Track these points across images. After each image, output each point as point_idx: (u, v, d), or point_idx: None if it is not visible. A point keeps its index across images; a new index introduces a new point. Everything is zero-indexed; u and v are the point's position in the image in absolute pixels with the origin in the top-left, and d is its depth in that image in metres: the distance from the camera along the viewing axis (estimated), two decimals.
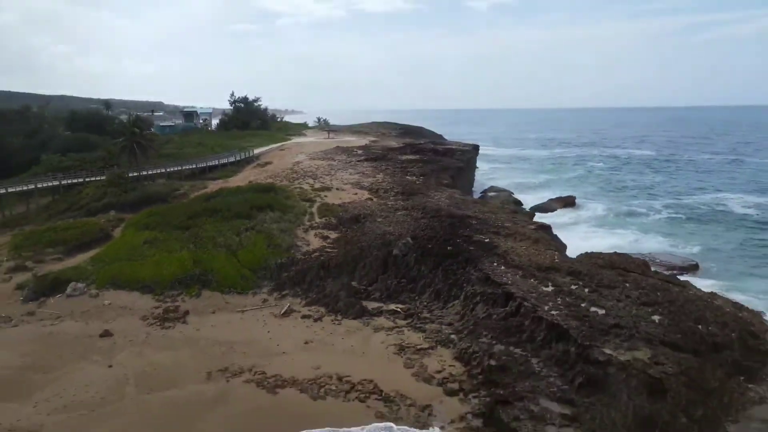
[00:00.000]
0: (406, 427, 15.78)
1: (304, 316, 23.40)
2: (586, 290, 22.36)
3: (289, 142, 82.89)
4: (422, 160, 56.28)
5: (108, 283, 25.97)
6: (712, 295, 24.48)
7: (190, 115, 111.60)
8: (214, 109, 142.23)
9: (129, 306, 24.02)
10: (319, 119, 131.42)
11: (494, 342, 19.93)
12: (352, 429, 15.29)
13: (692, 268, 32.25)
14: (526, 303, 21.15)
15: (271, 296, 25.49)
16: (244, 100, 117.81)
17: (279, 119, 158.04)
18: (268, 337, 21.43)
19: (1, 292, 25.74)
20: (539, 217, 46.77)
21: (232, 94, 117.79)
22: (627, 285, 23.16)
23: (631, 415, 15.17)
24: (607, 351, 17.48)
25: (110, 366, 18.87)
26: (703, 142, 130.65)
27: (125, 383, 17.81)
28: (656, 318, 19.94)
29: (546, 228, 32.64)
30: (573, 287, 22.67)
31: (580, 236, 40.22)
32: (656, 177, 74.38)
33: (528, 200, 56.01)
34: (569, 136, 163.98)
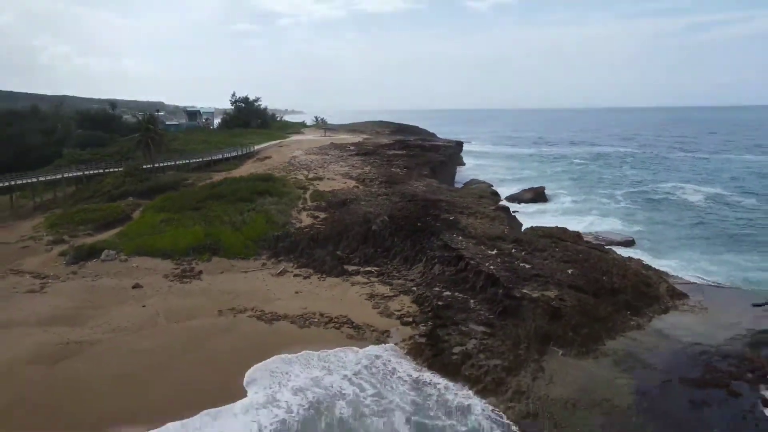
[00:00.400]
0: (368, 347, 21.26)
1: (295, 275, 28.82)
2: (522, 253, 27.80)
3: (287, 139, 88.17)
4: (408, 154, 61.68)
5: (134, 251, 31.38)
6: (629, 258, 30.04)
7: (193, 114, 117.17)
8: (216, 108, 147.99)
9: (153, 268, 29.43)
10: (317, 118, 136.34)
11: (444, 290, 25.36)
12: (325, 351, 20.77)
13: (629, 243, 37.56)
14: (472, 262, 26.56)
15: (269, 261, 30.91)
16: (245, 100, 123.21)
17: (279, 118, 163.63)
18: (266, 289, 26.83)
19: (47, 258, 31.18)
20: (512, 206, 52.39)
21: (234, 95, 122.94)
22: (557, 249, 28.62)
23: (533, 331, 20.56)
24: (525, 291, 22.93)
25: (143, 306, 24.30)
26: (687, 141, 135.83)
27: (156, 317, 23.23)
28: (570, 271, 25.40)
29: (504, 209, 38.09)
30: (513, 251, 28.10)
31: (546, 221, 45.37)
32: (629, 171, 79.73)
33: (506, 191, 61.15)
34: (562, 135, 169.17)
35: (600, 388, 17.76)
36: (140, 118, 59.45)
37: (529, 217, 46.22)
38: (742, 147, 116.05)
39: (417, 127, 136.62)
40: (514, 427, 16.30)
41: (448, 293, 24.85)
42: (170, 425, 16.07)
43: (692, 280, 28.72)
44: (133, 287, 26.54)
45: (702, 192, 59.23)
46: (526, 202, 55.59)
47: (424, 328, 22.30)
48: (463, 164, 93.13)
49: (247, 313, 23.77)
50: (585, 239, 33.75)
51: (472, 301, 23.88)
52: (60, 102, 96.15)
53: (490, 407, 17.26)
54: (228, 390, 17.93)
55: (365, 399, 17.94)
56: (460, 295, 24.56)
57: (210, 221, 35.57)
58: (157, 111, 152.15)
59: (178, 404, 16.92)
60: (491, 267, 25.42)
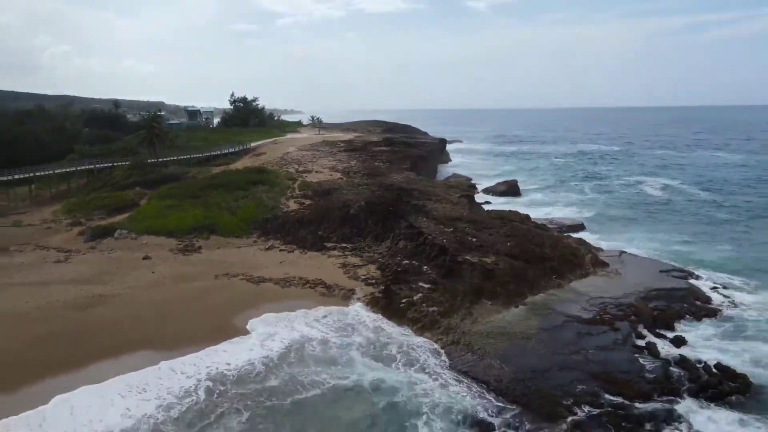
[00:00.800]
0: (336, 301, 26.18)
1: (281, 250, 33.76)
2: (473, 230, 32.74)
3: (283, 137, 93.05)
4: (392, 150, 66.61)
5: (142, 231, 36.28)
6: (567, 236, 35.02)
7: (194, 113, 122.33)
8: (215, 108, 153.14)
9: (159, 244, 34.35)
10: (313, 118, 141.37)
11: (404, 260, 30.31)
12: (300, 303, 25.66)
13: (579, 227, 42.49)
14: (429, 237, 31.50)
15: (259, 239, 35.85)
16: (244, 99, 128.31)
17: (276, 118, 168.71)
18: (255, 260, 31.77)
19: (68, 236, 36.12)
20: (482, 197, 57.36)
21: (232, 95, 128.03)
22: (504, 228, 33.58)
23: (468, 287, 25.50)
24: (467, 257, 27.88)
25: (153, 272, 29.25)
26: (671, 140, 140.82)
27: (163, 279, 28.18)
28: (509, 243, 30.35)
29: (468, 197, 43.02)
30: (465, 228, 33.03)
31: (514, 209, 50.28)
32: (604, 167, 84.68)
33: (484, 185, 66.16)
34: (552, 134, 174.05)
35: (513, 325, 22.70)
36: (145, 117, 64.32)
37: (500, 206, 50.98)
38: (716, 145, 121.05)
39: (409, 126, 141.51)
40: (441, 351, 21.23)
41: (406, 261, 29.81)
42: (194, 352, 20.84)
43: (619, 252, 33.55)
44: (143, 258, 31.49)
45: (662, 184, 64.23)
46: (500, 194, 60.52)
47: (382, 287, 27.24)
48: (450, 160, 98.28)
49: (238, 277, 28.72)
50: (540, 223, 38.73)
51: (425, 267, 28.83)
52: (69, 102, 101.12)
53: (425, 339, 22.23)
54: (222, 330, 22.83)
55: (331, 339, 22.79)
56: (417, 263, 29.49)
57: (209, 207, 40.48)
58: (158, 111, 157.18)
59: (184, 338, 21.82)
60: (444, 240, 30.36)
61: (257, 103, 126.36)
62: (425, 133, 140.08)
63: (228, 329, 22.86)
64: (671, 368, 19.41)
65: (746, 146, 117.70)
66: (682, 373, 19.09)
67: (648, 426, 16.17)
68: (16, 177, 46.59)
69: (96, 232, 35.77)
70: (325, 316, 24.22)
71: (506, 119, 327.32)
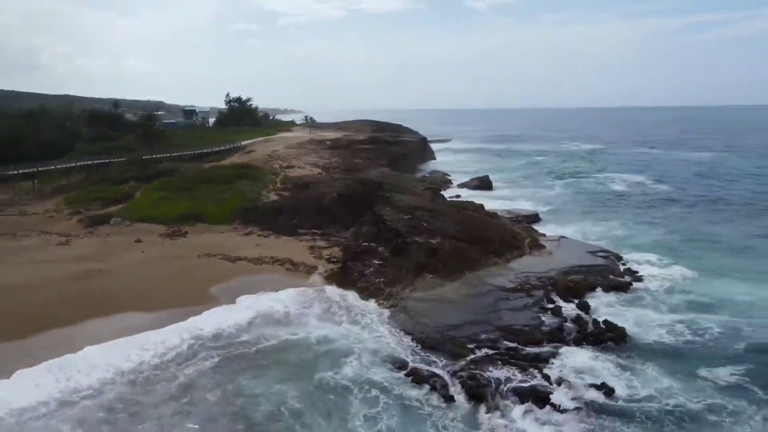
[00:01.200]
0: (300, 275, 30.29)
1: (258, 235, 37.94)
2: (429, 217, 36.83)
3: (274, 136, 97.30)
4: (374, 148, 70.83)
5: (136, 219, 40.42)
6: (515, 224, 39.14)
7: (190, 113, 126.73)
8: (211, 108, 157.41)
9: (150, 230, 38.48)
10: (306, 117, 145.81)
11: (365, 242, 34.41)
12: (270, 277, 29.77)
13: (535, 217, 46.55)
14: (388, 223, 35.60)
15: (240, 226, 40.00)
16: (238, 100, 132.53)
17: (271, 117, 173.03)
18: (234, 243, 35.90)
19: (68, 224, 40.24)
20: (456, 191, 61.47)
21: (227, 95, 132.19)
22: (457, 215, 37.67)
23: (414, 263, 29.60)
24: (416, 239, 32.00)
25: (142, 252, 33.41)
26: (654, 139, 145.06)
27: (153, 258, 32.33)
28: (457, 228, 34.47)
29: (432, 189, 47.18)
30: (422, 215, 37.12)
31: (483, 203, 54.29)
32: (582, 164, 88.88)
33: (461, 179, 70.32)
34: (544, 133, 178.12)
35: (445, 293, 26.84)
36: (143, 116, 68.48)
37: (471, 199, 55.25)
38: (697, 145, 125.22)
39: (401, 126, 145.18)
40: (381, 312, 25.35)
41: (366, 244, 33.91)
42: (172, 311, 24.94)
43: (558, 237, 37.61)
44: (136, 241, 35.62)
45: (628, 180, 68.36)
46: (473, 188, 64.63)
47: (341, 264, 31.36)
48: (435, 158, 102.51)
49: (218, 256, 32.86)
50: (492, 212, 42.84)
51: (380, 248, 32.94)
52: (70, 102, 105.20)
53: (371, 304, 26.37)
54: (202, 297, 26.93)
55: (292, 305, 26.76)
56: (375, 245, 33.60)
57: (197, 198, 44.64)
58: (157, 110, 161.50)
59: (170, 303, 25.75)
60: (399, 225, 34.48)
61: (251, 103, 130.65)
62: (416, 132, 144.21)
63: (205, 298, 26.92)
64: (566, 324, 23.51)
65: (725, 145, 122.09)
66: (573, 327, 23.20)
67: (531, 361, 20.22)
68: (20, 172, 50.63)
69: (94, 220, 39.91)
70: (288, 288, 28.31)
71: (505, 119, 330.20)
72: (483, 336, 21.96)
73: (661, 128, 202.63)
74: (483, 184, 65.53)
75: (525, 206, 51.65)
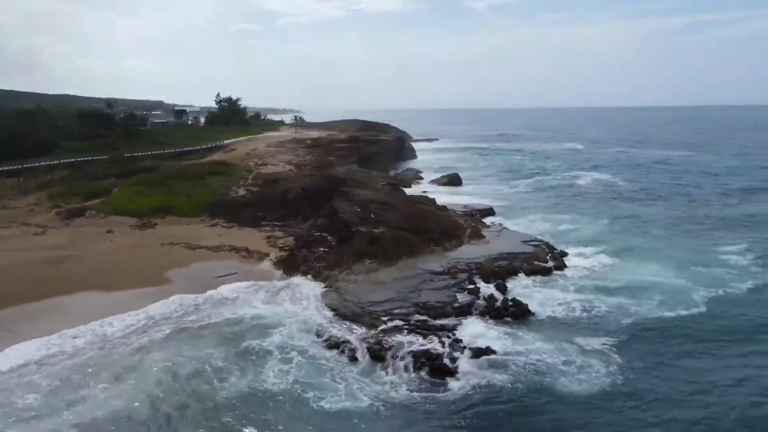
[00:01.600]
0: (253, 261, 33.15)
1: (223, 227, 40.85)
2: (379, 209, 39.70)
3: (260, 135, 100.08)
4: (350, 147, 73.73)
5: (111, 212, 43.28)
6: (458, 215, 42.07)
7: (180, 113, 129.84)
8: (203, 107, 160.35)
9: (123, 222, 41.37)
10: (295, 117, 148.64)
11: (317, 233, 37.30)
12: (225, 263, 32.63)
13: (489, 211, 49.38)
14: (341, 215, 38.48)
15: (207, 218, 42.88)
16: (228, 100, 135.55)
17: (263, 117, 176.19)
18: (199, 233, 38.79)
19: (47, 217, 43.12)
20: (426, 187, 64.34)
21: (218, 95, 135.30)
22: (410, 209, 40.55)
23: (356, 250, 32.48)
24: (360, 228, 34.87)
25: (111, 241, 36.32)
26: (637, 138, 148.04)
27: (120, 246, 35.22)
28: (405, 219, 37.34)
29: (393, 185, 50.04)
30: (374, 208, 39.99)
31: (448, 199, 57.09)
32: (555, 163, 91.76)
33: (433, 176, 73.24)
34: (532, 133, 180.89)
35: (378, 276, 29.70)
36: (123, 115, 71.36)
37: (439, 195, 58.31)
38: (681, 144, 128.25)
39: (388, 125, 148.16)
40: (318, 293, 28.19)
41: (318, 234, 36.83)
42: (129, 291, 27.85)
43: (500, 228, 40.46)
44: (107, 232, 38.52)
45: (594, 178, 71.24)
46: (443, 184, 67.58)
47: (290, 251, 34.25)
48: (416, 157, 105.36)
49: (180, 245, 35.76)
50: (442, 206, 45.73)
51: (330, 238, 35.85)
52: (65, 102, 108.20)
53: (309, 285, 29.23)
54: (158, 280, 29.78)
55: (240, 288, 29.64)
56: (325, 234, 36.52)
57: (171, 193, 47.52)
58: (149, 110, 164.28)
59: (133, 283, 28.66)
60: (348, 216, 37.36)
61: (240, 103, 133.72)
62: (403, 132, 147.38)
63: (161, 280, 29.81)
64: (478, 301, 26.37)
65: (707, 144, 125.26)
66: (483, 304, 26.06)
67: (435, 330, 23.10)
68: (5, 168, 53.45)
69: (71, 213, 42.78)
70: (238, 272, 31.18)
71: (503, 119, 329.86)
72: (397, 310, 24.83)
73: (653, 128, 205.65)
74: (452, 181, 68.45)
75: (483, 201, 54.46)
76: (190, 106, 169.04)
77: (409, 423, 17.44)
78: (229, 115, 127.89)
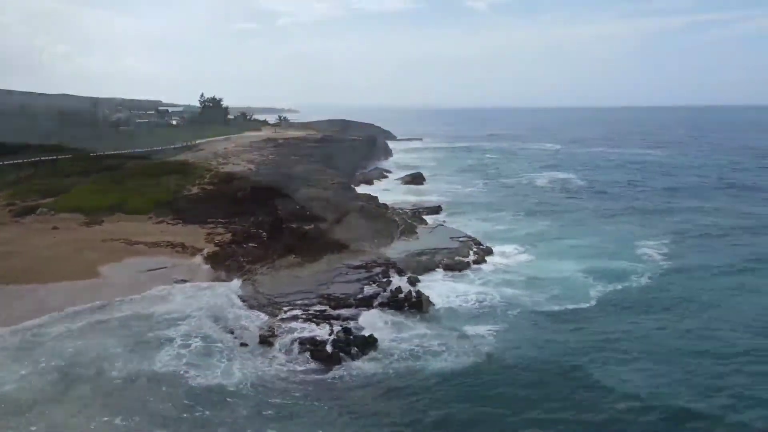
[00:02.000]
0: (186, 256, 34.55)
1: (168, 224, 42.21)
2: (320, 207, 41.12)
3: (237, 135, 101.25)
4: (317, 146, 75.16)
5: (63, 209, 44.66)
6: (398, 213, 43.51)
7: (162, 113, 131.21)
8: (186, 106, 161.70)
9: (72, 219, 42.71)
10: (279, 117, 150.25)
11: (256, 230, 38.70)
12: (159, 259, 34.03)
13: (437, 209, 50.85)
14: (280, 213, 39.89)
15: (155, 216, 44.23)
16: (212, 99, 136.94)
17: (249, 117, 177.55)
18: (142, 230, 40.17)
19: (2, 214, 44.54)
20: (387, 184, 65.82)
21: (202, 95, 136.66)
22: (346, 206, 41.95)
23: (284, 245, 33.88)
24: (292, 225, 36.27)
25: (54, 237, 37.69)
26: (625, 139, 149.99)
27: (62, 242, 36.60)
28: (336, 215, 38.73)
29: (340, 183, 51.50)
30: (315, 206, 41.40)
31: (406, 197, 58.56)
32: (522, 163, 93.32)
33: (399, 174, 74.81)
34: (522, 132, 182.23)
35: (296, 271, 31.08)
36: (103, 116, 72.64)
37: (396, 195, 60.13)
38: (658, 143, 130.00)
39: (372, 125, 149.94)
40: (238, 286, 29.57)
41: (254, 230, 38.27)
42: (63, 283, 29.26)
43: (435, 224, 41.91)
44: (53, 228, 39.91)
45: (553, 177, 72.80)
46: (405, 183, 69.21)
47: (219, 247, 35.64)
48: (391, 156, 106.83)
49: (120, 240, 37.15)
50: (382, 203, 47.18)
51: (264, 234, 37.29)
52: (64, 102, 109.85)
53: (231, 278, 30.63)
54: (92, 273, 31.18)
55: (166, 282, 31.01)
56: (262, 231, 37.96)
57: (126, 191, 48.92)
58: (131, 110, 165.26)
59: (67, 275, 30.12)
60: (284, 213, 38.79)
61: (223, 103, 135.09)
62: (387, 132, 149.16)
63: (92, 274, 31.22)
64: (383, 293, 27.78)
65: (685, 144, 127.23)
66: (387, 295, 27.47)
67: (331, 319, 24.53)
68: None
69: (23, 210, 44.15)
70: (168, 267, 32.59)
71: (500, 119, 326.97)
72: (300, 301, 26.29)
73: (645, 127, 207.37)
74: (414, 179, 70.07)
75: (436, 199, 55.98)
76: (191, 105, 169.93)
77: (270, 398, 18.85)
78: (212, 115, 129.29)
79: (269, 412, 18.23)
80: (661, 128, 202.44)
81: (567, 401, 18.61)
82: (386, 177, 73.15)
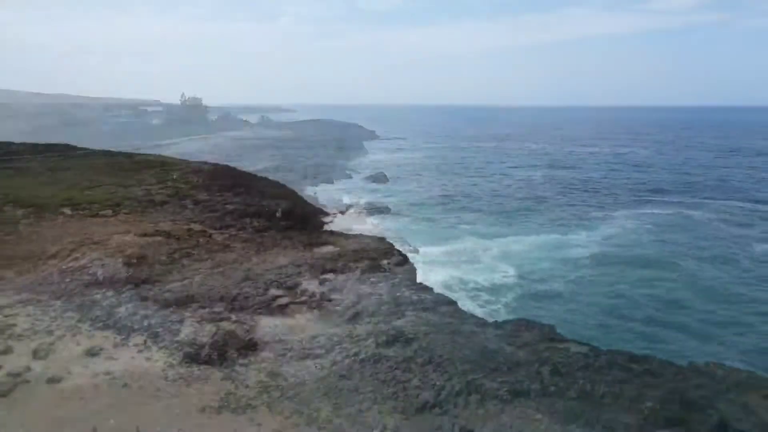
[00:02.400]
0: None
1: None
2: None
3: (212, 135, 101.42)
4: (282, 147, 74.85)
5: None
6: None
7: (141, 112, 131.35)
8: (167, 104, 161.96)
9: None
10: (262, 117, 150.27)
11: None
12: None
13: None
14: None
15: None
16: (193, 99, 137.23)
17: (238, 117, 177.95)
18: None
19: None
20: (350, 183, 65.58)
21: (183, 95, 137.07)
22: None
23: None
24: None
25: None
26: (611, 138, 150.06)
27: None
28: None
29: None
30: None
31: (366, 195, 58.15)
32: (494, 165, 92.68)
33: (365, 173, 74.74)
34: (513, 131, 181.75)
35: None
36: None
37: (357, 191, 60.27)
38: (644, 142, 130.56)
39: (355, 125, 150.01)
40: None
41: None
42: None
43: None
44: None
45: (519, 177, 72.49)
46: (368, 182, 69.16)
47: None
48: (366, 156, 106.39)
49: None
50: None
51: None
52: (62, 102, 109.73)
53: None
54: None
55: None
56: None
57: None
58: (105, 109, 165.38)
59: None
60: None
61: (203, 103, 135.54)
62: (372, 132, 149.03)
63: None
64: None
65: (669, 143, 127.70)
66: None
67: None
68: None
69: None
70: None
71: (499, 118, 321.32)
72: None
73: (639, 127, 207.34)
74: (377, 179, 70.01)
75: (388, 200, 55.69)
76: (185, 103, 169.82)
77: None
78: (191, 115, 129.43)
79: None
80: (661, 128, 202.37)
81: None
82: (350, 177, 72.86)
